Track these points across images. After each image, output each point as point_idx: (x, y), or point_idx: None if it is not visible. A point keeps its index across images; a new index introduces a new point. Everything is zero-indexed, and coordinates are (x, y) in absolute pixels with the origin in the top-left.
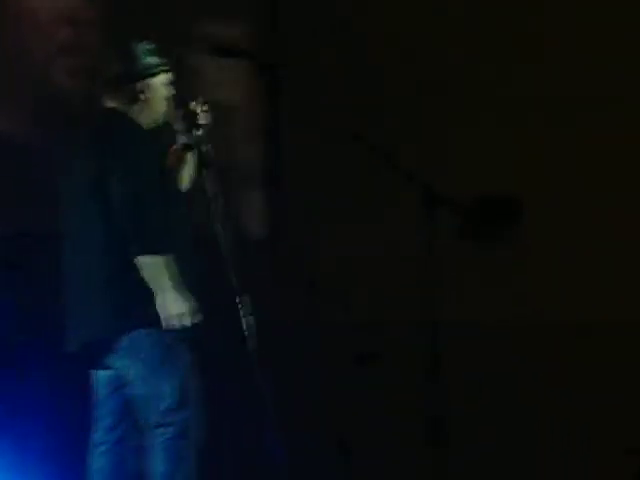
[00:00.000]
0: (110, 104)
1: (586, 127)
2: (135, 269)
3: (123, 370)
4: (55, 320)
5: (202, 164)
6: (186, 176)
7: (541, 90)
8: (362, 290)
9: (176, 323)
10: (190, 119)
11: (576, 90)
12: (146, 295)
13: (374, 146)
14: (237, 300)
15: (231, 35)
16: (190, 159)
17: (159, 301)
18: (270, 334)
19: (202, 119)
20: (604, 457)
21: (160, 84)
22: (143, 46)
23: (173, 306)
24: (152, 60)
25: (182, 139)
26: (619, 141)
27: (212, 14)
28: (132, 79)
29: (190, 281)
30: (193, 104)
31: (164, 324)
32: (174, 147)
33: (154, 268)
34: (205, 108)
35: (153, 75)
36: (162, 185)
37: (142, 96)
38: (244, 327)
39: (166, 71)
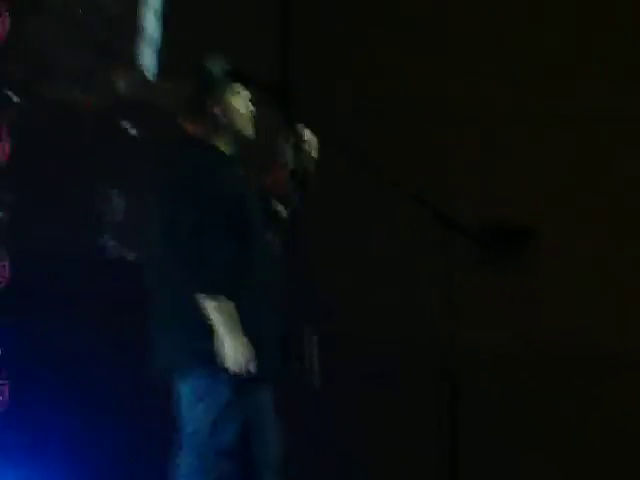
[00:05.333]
0: (189, 129)
1: (598, 152)
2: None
3: None
4: None
5: (305, 193)
6: (286, 203)
7: (553, 115)
8: (376, 314)
9: (236, 370)
10: (300, 147)
11: (591, 115)
12: (206, 333)
13: (383, 173)
14: (304, 334)
15: (244, 64)
16: (295, 188)
17: (217, 342)
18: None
19: (313, 147)
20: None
21: (239, 102)
22: (219, 65)
23: (232, 352)
24: (227, 78)
25: (290, 166)
26: (634, 164)
27: (225, 44)
28: (207, 98)
29: (263, 325)
30: (306, 132)
31: (219, 365)
32: (280, 171)
33: (211, 310)
34: (313, 135)
35: (224, 90)
36: (239, 220)
37: (220, 115)
38: (307, 361)
39: (243, 87)
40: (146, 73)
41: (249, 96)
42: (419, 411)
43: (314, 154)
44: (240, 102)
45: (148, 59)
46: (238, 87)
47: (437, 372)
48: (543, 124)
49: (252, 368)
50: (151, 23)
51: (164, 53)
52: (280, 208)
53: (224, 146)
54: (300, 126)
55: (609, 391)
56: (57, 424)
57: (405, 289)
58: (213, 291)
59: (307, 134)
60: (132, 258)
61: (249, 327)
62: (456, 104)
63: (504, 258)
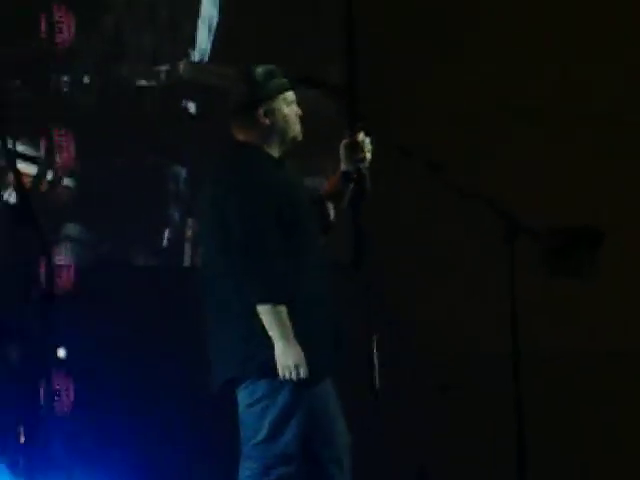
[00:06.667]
0: (239, 136)
1: None
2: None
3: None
4: None
5: (360, 196)
6: (339, 207)
7: (617, 114)
8: (443, 320)
9: (285, 374)
10: (354, 149)
11: None
12: (264, 341)
13: (452, 179)
14: (372, 338)
15: (312, 68)
16: (348, 190)
17: (276, 350)
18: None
19: (366, 150)
20: None
21: (283, 104)
22: (261, 70)
23: (282, 357)
24: (270, 82)
25: (343, 167)
26: None
27: (293, 47)
28: (253, 104)
29: (318, 330)
30: (360, 135)
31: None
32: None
33: (265, 316)
34: (369, 139)
35: (271, 96)
36: (290, 225)
37: (267, 121)
38: (375, 366)
39: (286, 90)
40: (203, 57)
41: (295, 99)
42: (483, 417)
43: (368, 156)
44: (289, 107)
45: (205, 44)
46: (287, 92)
47: (500, 376)
48: (606, 127)
49: (302, 373)
50: (211, 10)
51: (224, 41)
52: (332, 210)
53: (274, 151)
54: (355, 127)
55: None
56: (120, 427)
57: (469, 293)
58: (268, 296)
59: (361, 136)
60: (194, 265)
61: (302, 329)
62: (520, 109)
63: (571, 261)
